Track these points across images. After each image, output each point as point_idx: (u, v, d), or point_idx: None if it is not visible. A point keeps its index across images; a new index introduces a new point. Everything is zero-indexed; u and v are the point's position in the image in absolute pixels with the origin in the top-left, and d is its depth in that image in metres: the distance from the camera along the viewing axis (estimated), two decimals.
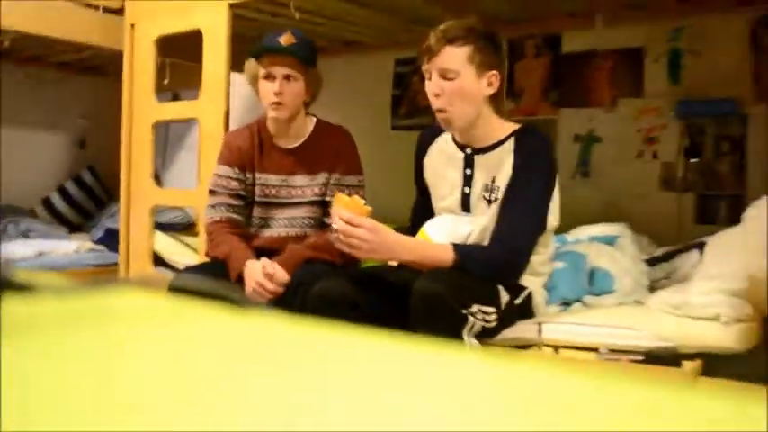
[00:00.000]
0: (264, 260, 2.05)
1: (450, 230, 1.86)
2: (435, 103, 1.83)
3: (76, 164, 4.40)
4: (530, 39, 3.33)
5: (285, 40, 2.11)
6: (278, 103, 2.12)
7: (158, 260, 3.09)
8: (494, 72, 1.83)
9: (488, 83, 1.83)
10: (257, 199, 2.24)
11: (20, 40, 3.23)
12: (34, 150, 4.25)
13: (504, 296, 1.78)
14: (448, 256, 1.73)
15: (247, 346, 0.36)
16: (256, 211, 2.25)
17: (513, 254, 1.80)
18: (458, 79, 1.80)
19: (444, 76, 1.80)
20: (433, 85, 1.83)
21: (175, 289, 0.45)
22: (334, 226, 1.73)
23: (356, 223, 1.68)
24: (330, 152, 2.20)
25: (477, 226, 1.85)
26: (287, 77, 2.11)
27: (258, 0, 2.67)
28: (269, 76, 2.13)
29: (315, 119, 2.28)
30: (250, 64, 2.22)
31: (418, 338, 0.34)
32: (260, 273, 2.01)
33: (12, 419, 0.23)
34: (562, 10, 3.06)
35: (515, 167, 1.82)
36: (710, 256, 1.98)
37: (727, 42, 2.84)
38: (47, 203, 4.20)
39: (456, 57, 1.79)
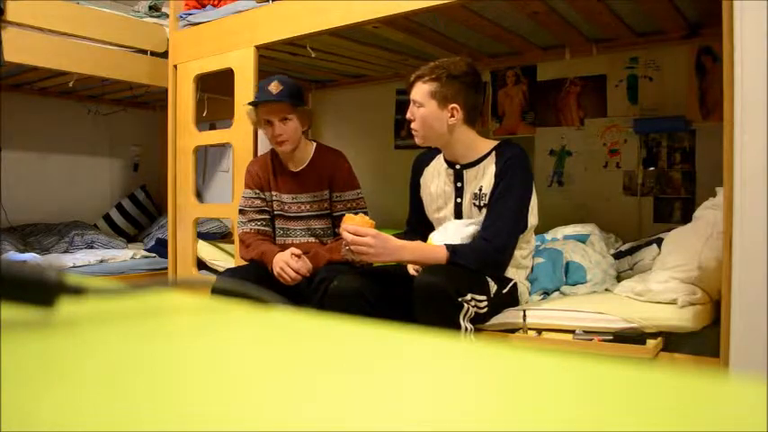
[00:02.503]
0: (293, 248, 2.10)
1: (452, 235, 1.85)
2: (412, 125, 1.91)
3: (131, 184, 4.42)
4: (510, 69, 3.33)
5: (274, 88, 2.13)
6: (281, 141, 2.15)
7: (201, 264, 3.10)
8: (454, 105, 1.83)
9: (450, 114, 1.84)
10: (275, 213, 2.27)
11: (82, 81, 3.25)
12: (96, 174, 4.27)
13: (493, 286, 1.77)
14: (442, 254, 1.73)
15: (272, 337, 0.36)
16: (278, 223, 2.28)
17: (496, 246, 1.79)
18: (422, 109, 1.85)
19: (415, 105, 1.87)
20: (409, 112, 1.90)
21: (217, 290, 0.45)
22: (344, 241, 1.73)
23: (362, 233, 1.68)
24: (327, 172, 2.21)
25: (475, 229, 1.85)
26: (283, 120, 2.14)
27: (280, 43, 2.68)
28: (268, 122, 2.15)
29: (315, 144, 2.29)
30: (251, 111, 2.22)
31: (422, 328, 0.34)
32: (288, 254, 2.06)
33: (57, 409, 0.23)
34: (537, 45, 3.06)
35: (497, 175, 1.83)
36: (667, 249, 1.97)
37: (676, 69, 2.84)
38: (107, 218, 4.21)
39: (421, 91, 1.85)
